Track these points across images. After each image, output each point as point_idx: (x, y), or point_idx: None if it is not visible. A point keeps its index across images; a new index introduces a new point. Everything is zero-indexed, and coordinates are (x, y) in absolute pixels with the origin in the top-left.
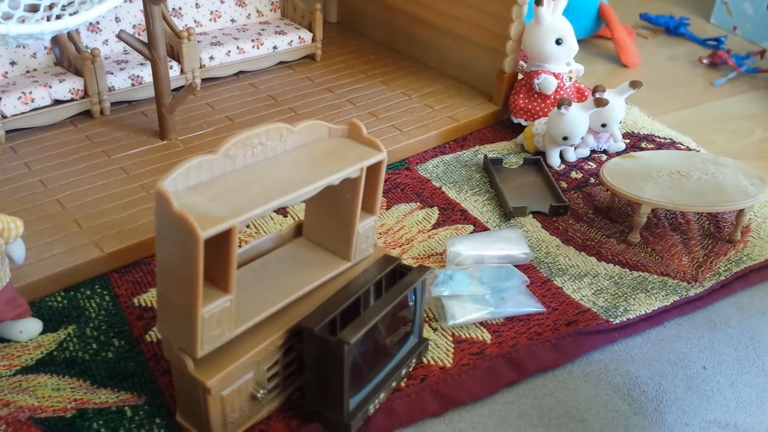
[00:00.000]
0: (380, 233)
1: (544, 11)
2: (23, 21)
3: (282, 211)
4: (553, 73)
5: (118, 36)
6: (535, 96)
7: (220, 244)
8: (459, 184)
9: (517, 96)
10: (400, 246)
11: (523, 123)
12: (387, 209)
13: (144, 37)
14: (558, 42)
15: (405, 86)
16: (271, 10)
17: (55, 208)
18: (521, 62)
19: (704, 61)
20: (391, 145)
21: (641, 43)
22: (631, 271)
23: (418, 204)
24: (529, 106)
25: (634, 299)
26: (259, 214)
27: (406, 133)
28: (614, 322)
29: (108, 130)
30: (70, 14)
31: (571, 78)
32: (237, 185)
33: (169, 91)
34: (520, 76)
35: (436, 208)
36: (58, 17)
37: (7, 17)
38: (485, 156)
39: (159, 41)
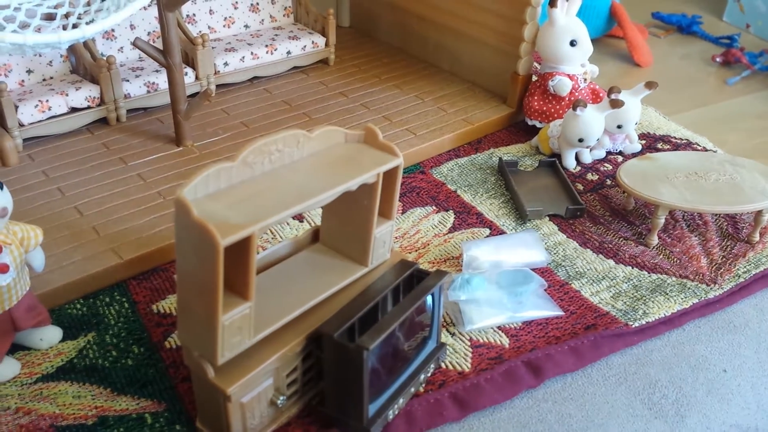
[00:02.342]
0: (396, 237)
1: (558, 12)
2: (39, 30)
3: (298, 216)
4: (568, 75)
5: (134, 44)
6: (550, 98)
7: (239, 251)
8: (474, 188)
9: (532, 98)
10: (416, 250)
11: (538, 125)
12: (402, 213)
13: (159, 44)
14: (572, 43)
15: (418, 89)
16: (284, 15)
17: (73, 216)
18: (535, 64)
19: (717, 59)
20: (406, 149)
21: (654, 42)
22: (649, 273)
23: (434, 208)
24: (544, 108)
25: (652, 302)
26: (277, 221)
27: (420, 137)
28: (633, 326)
29: (124, 137)
30: (87, 23)
31: (585, 79)
32: (255, 192)
33: (184, 97)
34: (534, 78)
35: (451, 211)
36: (74, 26)
37: (24, 26)
38: (500, 159)
39: (174, 48)
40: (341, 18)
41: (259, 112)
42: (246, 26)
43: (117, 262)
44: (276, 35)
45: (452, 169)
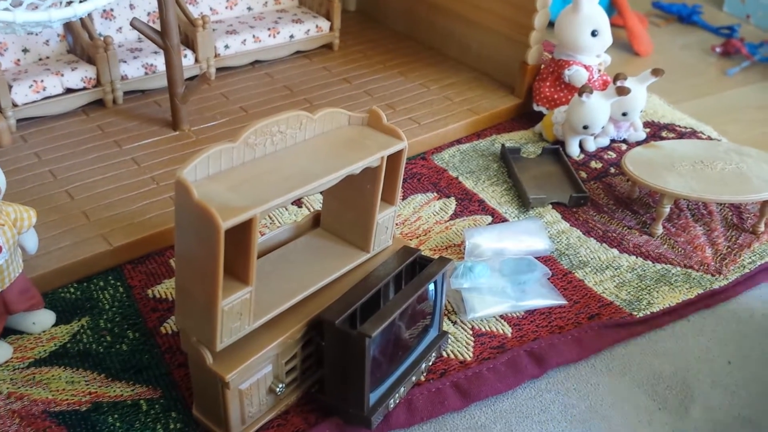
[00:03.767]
0: (397, 224)
1: (586, 2)
2: (36, 8)
3: (297, 201)
4: (584, 65)
5: (131, 24)
6: (563, 86)
7: (240, 234)
8: (476, 174)
9: (543, 84)
10: (417, 237)
11: (544, 111)
12: (403, 199)
13: (158, 26)
14: (594, 33)
15: (424, 77)
16: None
17: (63, 200)
18: (545, 53)
19: (717, 49)
20: (409, 139)
21: (654, 31)
22: (653, 263)
23: (435, 194)
24: (555, 96)
25: (657, 292)
26: (279, 204)
27: (424, 127)
28: (637, 316)
29: (120, 120)
30: (80, 1)
31: (599, 70)
32: (256, 174)
33: (182, 80)
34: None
35: (453, 198)
36: (68, 4)
37: (17, 4)
38: (503, 145)
39: (172, 30)
40: (347, 2)
41: (260, 97)
42: (249, 8)
43: (106, 248)
44: (279, 18)
45: (454, 155)
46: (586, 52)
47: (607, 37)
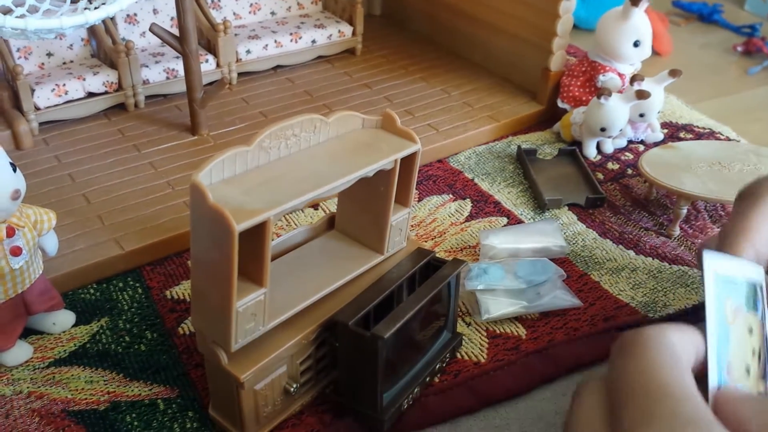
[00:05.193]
0: (412, 226)
1: (637, 12)
2: (55, 13)
3: (313, 203)
4: (619, 73)
5: (150, 29)
6: (593, 89)
7: (254, 237)
8: (492, 176)
9: (575, 81)
10: (432, 239)
11: (568, 109)
12: (419, 201)
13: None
14: (636, 44)
15: (445, 83)
16: (312, 3)
17: (80, 203)
18: (568, 57)
19: (738, 48)
20: (426, 146)
21: (674, 30)
22: (670, 265)
23: (451, 196)
24: (583, 98)
25: (673, 294)
26: (293, 207)
27: (442, 133)
28: (653, 318)
29: (140, 124)
30: (95, 8)
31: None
32: (271, 177)
33: (200, 85)
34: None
35: (468, 200)
36: (83, 10)
37: (34, 10)
38: (519, 147)
39: (190, 35)
40: (372, 6)
41: (280, 102)
42: (272, 13)
43: (118, 252)
44: (302, 23)
45: (469, 157)
46: (624, 60)
47: (647, 49)
